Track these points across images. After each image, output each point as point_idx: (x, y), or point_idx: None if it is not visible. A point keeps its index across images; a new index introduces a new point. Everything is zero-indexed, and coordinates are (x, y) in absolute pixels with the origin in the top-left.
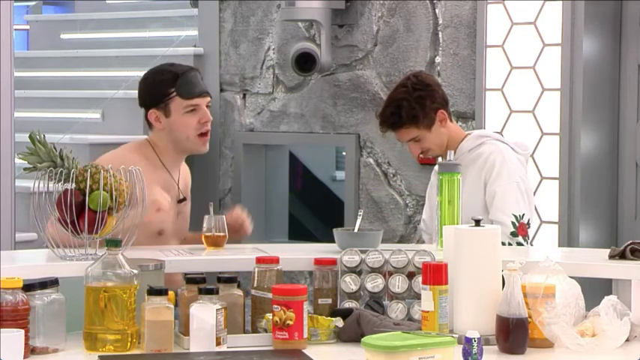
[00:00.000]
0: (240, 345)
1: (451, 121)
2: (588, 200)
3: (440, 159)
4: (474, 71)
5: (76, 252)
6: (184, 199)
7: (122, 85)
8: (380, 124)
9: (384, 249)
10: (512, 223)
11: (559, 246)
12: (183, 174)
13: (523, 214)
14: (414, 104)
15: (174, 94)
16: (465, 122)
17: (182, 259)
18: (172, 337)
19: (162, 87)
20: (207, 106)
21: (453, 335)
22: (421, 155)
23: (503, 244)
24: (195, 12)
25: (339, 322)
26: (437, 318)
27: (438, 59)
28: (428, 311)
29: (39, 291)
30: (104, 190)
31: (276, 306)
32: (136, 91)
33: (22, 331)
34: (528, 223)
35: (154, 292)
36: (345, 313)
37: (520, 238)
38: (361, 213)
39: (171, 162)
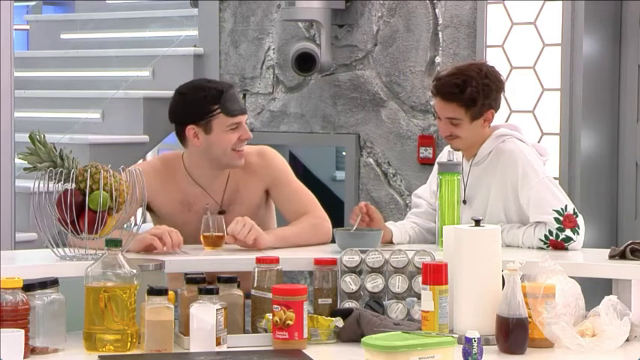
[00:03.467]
0: (240, 345)
1: (489, 126)
2: (588, 200)
3: (440, 158)
4: None
5: (76, 252)
6: (223, 211)
7: (122, 85)
8: (435, 86)
9: (384, 249)
10: (556, 219)
11: None
12: (236, 183)
13: (566, 206)
14: (479, 88)
15: (219, 110)
16: None
17: (182, 259)
18: (172, 337)
19: (205, 103)
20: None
21: (453, 335)
22: (447, 138)
23: (544, 240)
24: (195, 12)
25: (339, 322)
26: (437, 318)
27: (438, 59)
28: (428, 311)
29: (39, 291)
30: (104, 190)
31: (276, 306)
32: (136, 91)
33: (22, 331)
34: (575, 212)
35: (154, 292)
36: (345, 313)
37: (568, 231)
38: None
39: (204, 177)
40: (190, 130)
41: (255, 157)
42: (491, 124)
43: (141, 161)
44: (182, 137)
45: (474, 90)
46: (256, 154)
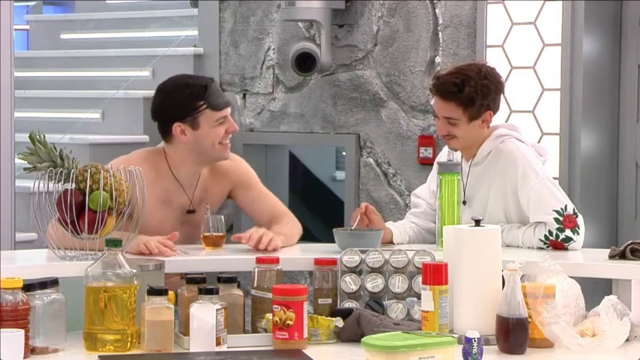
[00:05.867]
0: (240, 345)
1: (487, 127)
2: (588, 200)
3: (439, 158)
4: None
5: (76, 252)
6: (193, 210)
7: (122, 85)
8: (434, 85)
9: (384, 249)
10: (555, 219)
11: None
12: (204, 182)
13: (565, 206)
14: (478, 88)
15: (205, 106)
16: None
17: (182, 259)
18: (172, 337)
19: (191, 100)
20: None
21: (453, 335)
22: (445, 137)
23: (544, 240)
24: (195, 12)
25: (339, 322)
26: (437, 318)
27: (438, 59)
28: (428, 311)
29: (39, 291)
30: (104, 190)
31: (276, 306)
32: (136, 91)
33: (22, 331)
34: (575, 213)
35: (154, 292)
36: (345, 313)
37: (568, 231)
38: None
39: (186, 173)
40: (177, 127)
41: (225, 160)
42: (491, 124)
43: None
44: (167, 134)
45: (472, 90)
46: None
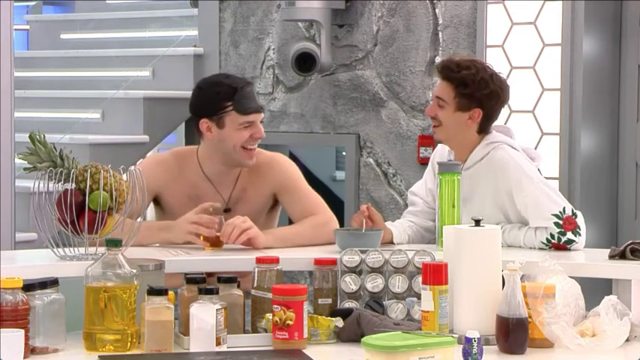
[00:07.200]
0: (240, 345)
1: (479, 133)
2: (588, 200)
3: (433, 156)
4: None
5: (76, 252)
6: (229, 209)
7: (122, 85)
8: (443, 61)
9: (384, 249)
10: (556, 223)
11: None
12: (244, 182)
13: (564, 208)
14: (476, 79)
15: (231, 108)
16: None
17: (182, 259)
18: (172, 337)
19: (218, 99)
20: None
21: (453, 335)
22: (432, 121)
23: (545, 243)
24: (195, 12)
25: (339, 322)
26: (437, 318)
27: (438, 59)
28: (428, 311)
29: (39, 291)
30: (104, 190)
31: (276, 306)
32: (136, 91)
33: (22, 331)
34: (573, 213)
35: (154, 292)
36: (345, 313)
37: (570, 234)
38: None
39: (214, 171)
40: (204, 123)
41: (267, 162)
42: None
43: (152, 153)
44: (198, 129)
45: (469, 75)
46: (269, 158)
